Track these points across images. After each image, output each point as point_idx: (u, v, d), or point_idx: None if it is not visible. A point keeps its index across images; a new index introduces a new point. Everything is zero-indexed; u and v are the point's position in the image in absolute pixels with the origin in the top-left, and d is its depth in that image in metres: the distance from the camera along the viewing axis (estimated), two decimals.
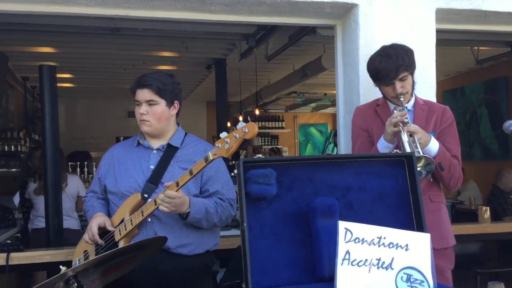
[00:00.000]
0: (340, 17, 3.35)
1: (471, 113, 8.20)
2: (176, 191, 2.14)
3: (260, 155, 1.90)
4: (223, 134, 2.04)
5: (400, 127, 2.29)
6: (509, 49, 6.26)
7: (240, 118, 9.20)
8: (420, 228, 1.86)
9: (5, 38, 5.66)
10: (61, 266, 1.63)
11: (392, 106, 2.49)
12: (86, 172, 6.57)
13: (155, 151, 2.41)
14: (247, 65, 7.12)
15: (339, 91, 3.39)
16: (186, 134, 2.49)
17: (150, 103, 2.35)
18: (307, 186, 1.82)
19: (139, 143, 2.45)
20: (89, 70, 7.77)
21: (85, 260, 2.42)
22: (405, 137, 2.27)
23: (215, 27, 5.28)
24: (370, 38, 3.13)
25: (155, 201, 2.20)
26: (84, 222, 5.62)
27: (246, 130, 1.98)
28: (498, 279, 4.20)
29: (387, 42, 2.70)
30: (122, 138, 7.85)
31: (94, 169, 6.78)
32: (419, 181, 1.89)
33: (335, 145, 4.83)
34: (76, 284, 1.62)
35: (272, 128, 11.93)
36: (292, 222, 1.79)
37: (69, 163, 6.05)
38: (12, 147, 6.77)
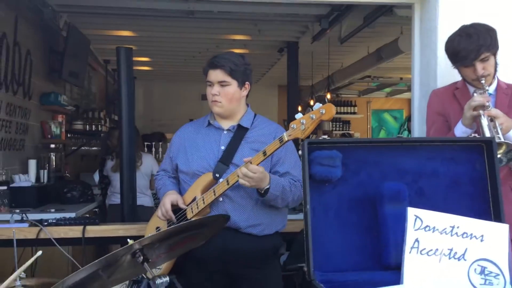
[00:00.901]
0: None
1: None
2: None
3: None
4: (299, 115, 2.00)
5: (480, 111, 2.14)
6: None
7: (311, 103, 9.11)
8: (497, 218, 1.74)
9: (87, 21, 5.94)
10: (128, 240, 1.68)
11: (472, 89, 2.34)
12: (160, 152, 6.78)
13: (225, 132, 2.42)
14: (319, 48, 7.00)
15: (415, 73, 3.24)
16: (255, 115, 2.49)
17: (222, 84, 2.36)
18: (374, 170, 1.75)
19: (209, 123, 2.47)
20: (165, 53, 7.99)
21: None
22: (485, 122, 2.13)
23: (288, 8, 5.23)
24: (450, 17, 2.95)
25: (227, 180, 2.22)
26: (157, 200, 5.83)
27: (323, 111, 1.93)
28: None
29: (469, 21, 2.53)
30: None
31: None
32: (498, 169, 1.76)
33: (409, 131, 4.63)
34: (142, 257, 1.66)
35: (344, 113, 11.71)
36: (357, 206, 1.74)
37: (145, 143, 6.26)
38: (94, 126, 7.11)
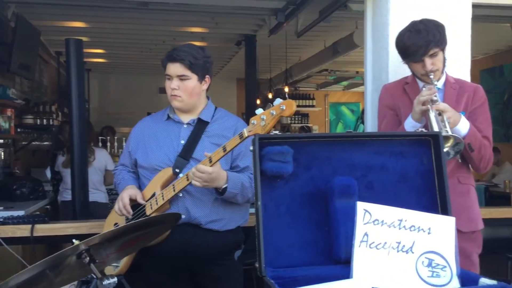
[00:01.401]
0: None
1: (509, 93, 7.89)
2: (210, 166, 2.12)
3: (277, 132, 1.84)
4: (259, 111, 1.98)
5: (429, 106, 2.18)
6: None
7: (270, 96, 9.13)
8: (444, 211, 1.77)
9: (36, 12, 5.73)
10: (74, 240, 1.63)
11: (421, 84, 2.38)
12: (116, 147, 6.66)
13: (185, 126, 2.38)
14: (277, 42, 7.01)
15: (368, 68, 3.27)
16: (216, 108, 2.45)
17: (181, 78, 2.30)
18: (325, 165, 1.76)
19: (168, 117, 2.41)
20: (120, 45, 7.81)
21: None
22: (433, 116, 2.17)
23: (245, 0, 5.20)
24: (401, 12, 3.00)
25: (187, 176, 2.18)
26: (113, 195, 5.71)
27: (284, 108, 1.92)
28: None
29: (419, 17, 2.57)
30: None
31: (124, 144, 6.87)
32: (445, 162, 1.80)
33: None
34: (88, 258, 1.60)
35: (302, 106, 11.79)
36: (309, 201, 1.74)
37: (100, 138, 6.12)
38: (45, 120, 6.87)
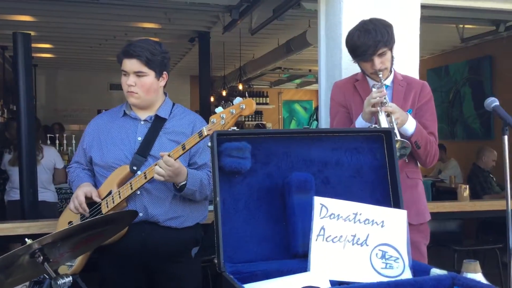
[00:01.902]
0: None
1: (454, 92, 8.21)
2: None
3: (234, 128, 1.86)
4: (219, 110, 1.98)
5: (378, 108, 2.25)
6: (494, 28, 6.24)
7: (224, 93, 9.12)
8: (396, 205, 1.83)
9: None
10: (26, 239, 1.57)
11: (371, 82, 2.45)
12: (65, 145, 6.47)
13: (142, 122, 2.34)
14: (231, 39, 7.01)
15: (321, 66, 3.33)
16: (173, 104, 2.42)
17: (138, 74, 2.26)
18: (283, 161, 1.78)
19: (125, 113, 2.37)
20: (70, 40, 7.60)
21: None
22: (382, 118, 2.23)
23: None
24: (353, 12, 3.06)
25: (145, 174, 2.15)
26: (62, 195, 5.55)
27: (244, 107, 1.92)
28: (476, 257, 4.24)
29: (371, 16, 2.63)
30: (104, 111, 7.75)
31: (74, 141, 6.69)
32: (397, 158, 1.86)
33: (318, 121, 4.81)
34: (42, 257, 1.56)
35: (256, 104, 11.82)
36: (267, 197, 1.75)
37: (48, 135, 5.93)
38: None
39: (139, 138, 2.30)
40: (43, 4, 5.43)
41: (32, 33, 4.88)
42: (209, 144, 1.69)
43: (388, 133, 1.88)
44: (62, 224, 2.46)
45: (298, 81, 11.65)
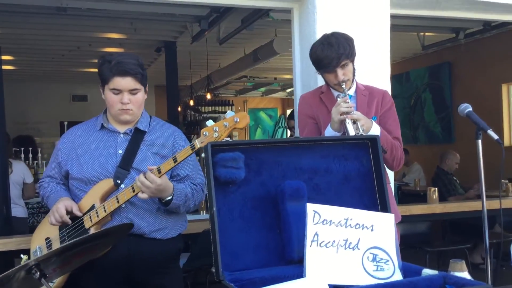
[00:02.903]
0: (297, 0, 3.35)
1: (415, 98, 8.48)
2: (159, 177, 2.09)
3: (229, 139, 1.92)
4: (210, 123, 2.00)
5: (345, 116, 2.33)
6: (453, 35, 6.50)
7: (191, 103, 9.10)
8: (384, 209, 1.90)
9: None
10: (22, 255, 1.55)
11: (336, 93, 2.54)
12: (30, 158, 6.30)
13: (122, 135, 2.32)
14: (198, 48, 7.01)
15: (297, 75, 3.40)
16: (151, 117, 2.43)
17: (133, 92, 2.25)
18: (275, 170, 1.82)
19: (103, 126, 2.35)
20: (32, 52, 7.41)
21: (47, 247, 2.32)
22: (349, 125, 2.32)
23: (166, 7, 5.15)
24: (327, 22, 3.15)
25: (132, 187, 2.14)
26: (29, 209, 5.40)
27: (237, 120, 1.95)
28: (446, 258, 4.39)
29: (344, 27, 2.71)
30: (66, 123, 7.59)
31: (39, 155, 6.53)
32: (383, 163, 1.93)
33: (289, 128, 4.87)
34: (39, 273, 1.54)
35: (222, 112, 11.85)
36: (261, 205, 1.79)
37: (13, 149, 5.76)
38: None
39: (120, 151, 2.29)
40: (5, 15, 5.30)
41: None
42: (203, 155, 1.71)
43: (373, 140, 1.95)
44: (37, 240, 2.40)
45: (263, 89, 11.75)
